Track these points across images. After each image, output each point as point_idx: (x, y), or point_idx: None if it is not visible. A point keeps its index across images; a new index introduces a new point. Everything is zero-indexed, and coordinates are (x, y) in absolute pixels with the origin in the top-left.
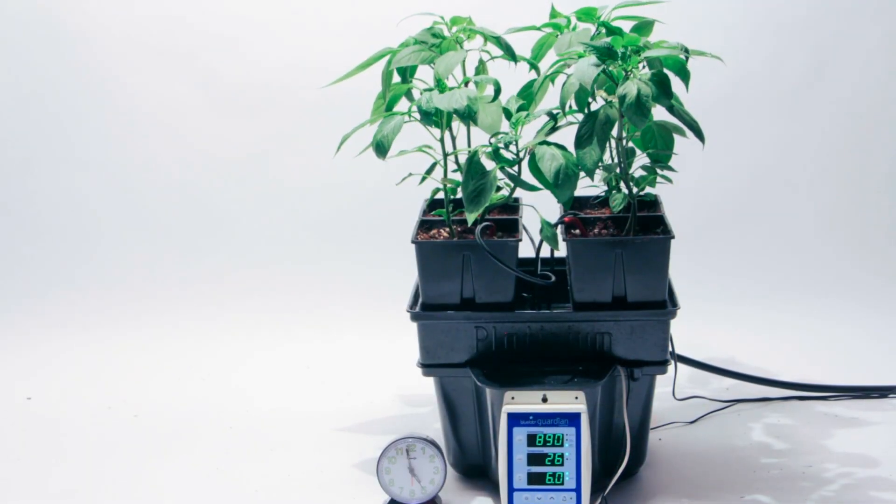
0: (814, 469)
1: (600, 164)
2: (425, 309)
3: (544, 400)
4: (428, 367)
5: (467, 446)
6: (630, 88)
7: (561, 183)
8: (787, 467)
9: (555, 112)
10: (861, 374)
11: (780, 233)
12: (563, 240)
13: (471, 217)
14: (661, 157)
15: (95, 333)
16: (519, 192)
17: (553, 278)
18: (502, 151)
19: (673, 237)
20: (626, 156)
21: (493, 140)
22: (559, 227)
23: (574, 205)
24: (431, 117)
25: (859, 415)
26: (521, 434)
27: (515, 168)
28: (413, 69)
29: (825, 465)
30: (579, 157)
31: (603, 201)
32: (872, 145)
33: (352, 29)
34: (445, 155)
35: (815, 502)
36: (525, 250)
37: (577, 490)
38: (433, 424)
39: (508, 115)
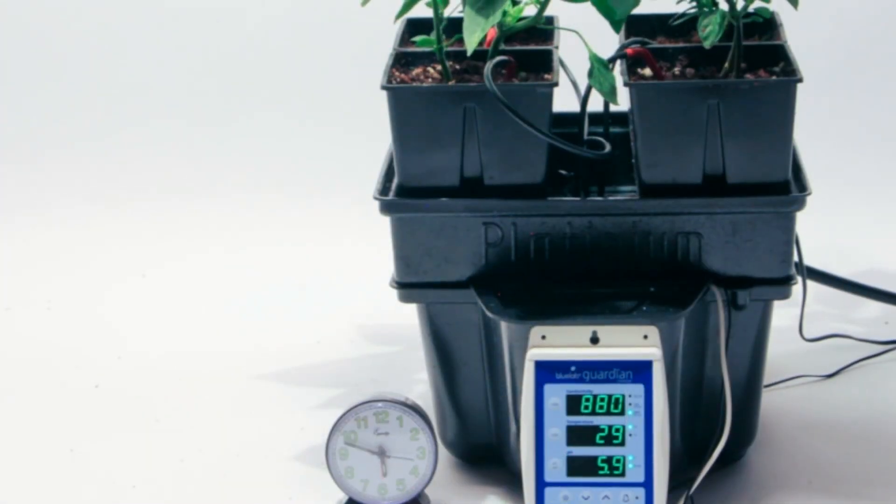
0: None
1: None
2: (404, 195)
3: (594, 340)
4: (408, 287)
5: (471, 415)
6: None
7: None
8: None
9: None
10: None
11: None
12: (626, 84)
13: (473, 41)
14: None
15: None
16: (554, 8)
17: (608, 147)
18: None
19: (800, 80)
20: None
21: None
22: (619, 63)
23: (642, 28)
24: None
25: None
26: (556, 395)
27: None
28: None
29: None
30: None
31: (688, 24)
32: None
33: None
34: None
35: None
36: (565, 100)
37: (647, 484)
38: (415, 376)
39: None
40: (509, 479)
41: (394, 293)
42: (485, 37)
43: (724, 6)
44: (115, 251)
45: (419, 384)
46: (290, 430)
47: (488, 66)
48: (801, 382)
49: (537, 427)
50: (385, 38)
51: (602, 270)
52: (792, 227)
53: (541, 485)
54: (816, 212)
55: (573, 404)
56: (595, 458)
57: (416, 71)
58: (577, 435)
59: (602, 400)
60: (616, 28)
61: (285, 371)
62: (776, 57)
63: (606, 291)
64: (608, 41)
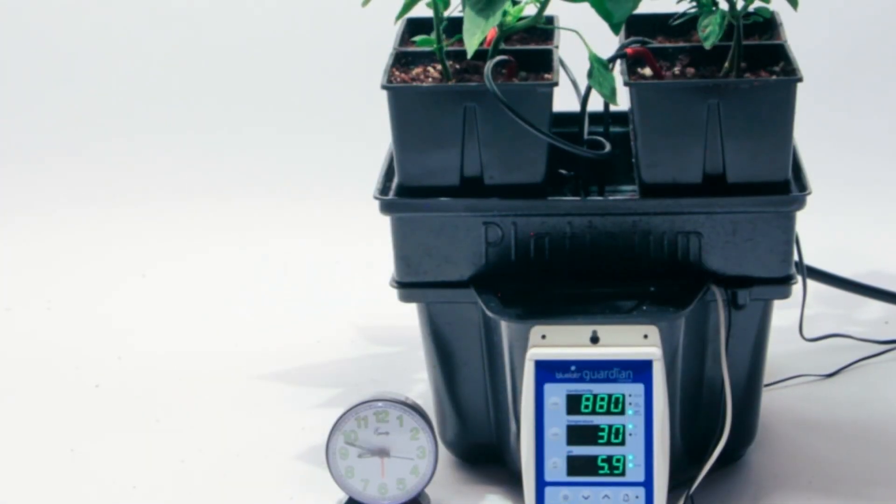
0: None
1: None
2: (404, 194)
3: (594, 340)
4: (408, 286)
5: (471, 415)
6: None
7: None
8: None
9: None
10: None
11: None
12: (626, 84)
13: (474, 42)
14: None
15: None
16: (554, 8)
17: (608, 147)
18: None
19: (800, 79)
20: None
21: None
22: (619, 63)
23: (643, 28)
24: None
25: None
26: (556, 395)
27: None
28: None
29: None
30: None
31: (688, 24)
32: None
33: None
34: None
35: None
36: (565, 100)
37: (648, 483)
38: (415, 376)
39: None
40: (509, 478)
41: (394, 293)
42: (485, 37)
43: (724, 6)
44: (115, 251)
45: (419, 384)
46: (291, 429)
47: (488, 66)
48: (801, 382)
49: (537, 427)
50: (385, 38)
51: (602, 270)
52: (792, 227)
53: (541, 484)
54: (816, 211)
55: (573, 404)
56: (595, 458)
57: (417, 71)
58: (577, 434)
59: (602, 399)
60: (615, 31)
61: (285, 371)
62: (776, 56)
63: (606, 291)
64: (608, 41)
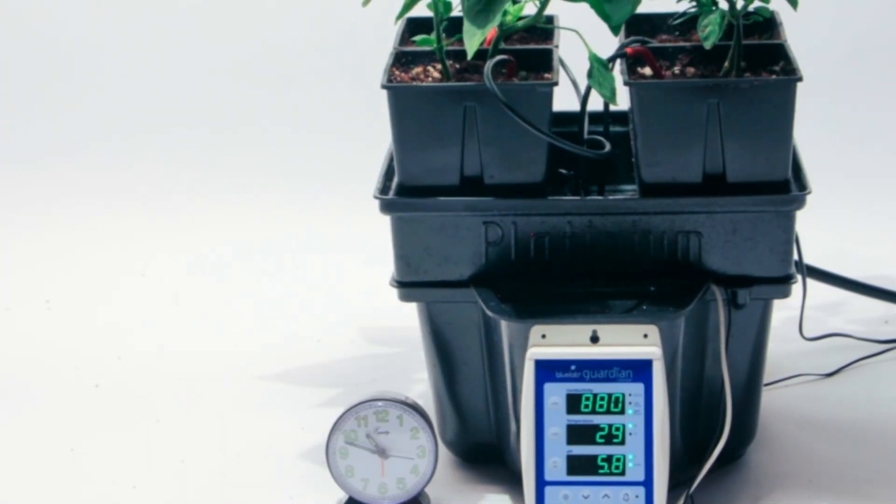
0: None
1: None
2: (404, 194)
3: (594, 339)
4: (408, 286)
5: (471, 414)
6: None
7: None
8: None
9: None
10: None
11: None
12: (626, 83)
13: (474, 43)
14: None
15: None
16: (554, 8)
17: (608, 146)
18: None
19: (800, 79)
20: None
21: None
22: (619, 62)
23: (643, 28)
24: None
25: None
26: (556, 394)
27: None
28: None
29: None
30: None
31: (688, 24)
32: None
33: None
34: None
35: None
36: (565, 100)
37: (648, 483)
38: (415, 375)
39: None
40: (509, 478)
41: (394, 292)
42: (485, 37)
43: (724, 6)
44: (115, 251)
45: (419, 383)
46: (291, 429)
47: (488, 66)
48: (801, 381)
49: (537, 426)
50: (385, 38)
51: (602, 269)
52: (792, 226)
53: (541, 484)
54: (817, 211)
55: (573, 403)
56: (595, 457)
57: (417, 70)
58: (577, 434)
59: (602, 399)
60: (614, 32)
61: (285, 371)
62: (776, 56)
63: (606, 290)
64: (608, 41)
